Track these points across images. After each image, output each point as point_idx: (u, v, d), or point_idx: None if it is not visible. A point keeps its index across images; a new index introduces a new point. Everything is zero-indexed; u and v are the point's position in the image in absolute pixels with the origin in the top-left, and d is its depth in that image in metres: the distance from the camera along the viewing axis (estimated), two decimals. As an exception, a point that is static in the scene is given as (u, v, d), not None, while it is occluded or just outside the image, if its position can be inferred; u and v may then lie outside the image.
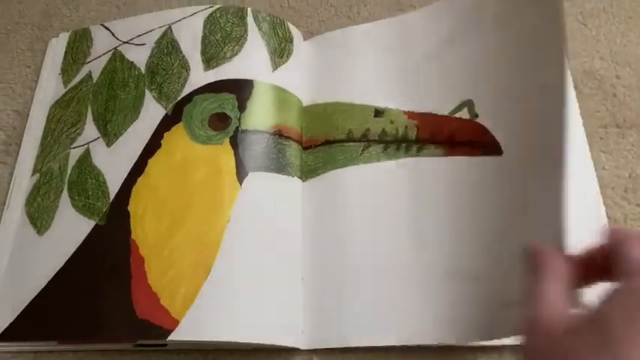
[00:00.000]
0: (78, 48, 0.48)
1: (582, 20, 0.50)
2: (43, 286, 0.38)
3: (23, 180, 0.43)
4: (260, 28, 0.45)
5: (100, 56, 0.47)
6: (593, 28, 0.50)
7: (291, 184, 0.42)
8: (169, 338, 0.35)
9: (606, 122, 0.45)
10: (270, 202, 0.40)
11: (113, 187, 0.41)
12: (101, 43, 0.47)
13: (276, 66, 0.44)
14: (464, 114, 0.42)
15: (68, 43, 0.49)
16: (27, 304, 0.38)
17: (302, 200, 0.42)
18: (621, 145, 0.44)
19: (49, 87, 0.47)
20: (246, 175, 0.40)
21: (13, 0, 0.52)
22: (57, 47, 0.49)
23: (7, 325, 0.37)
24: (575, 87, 0.47)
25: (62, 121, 0.45)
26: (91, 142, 0.43)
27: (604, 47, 0.49)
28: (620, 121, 0.45)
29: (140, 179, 0.41)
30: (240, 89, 0.43)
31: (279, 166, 0.41)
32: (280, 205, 0.41)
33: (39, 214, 0.41)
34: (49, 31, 0.50)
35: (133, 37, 0.47)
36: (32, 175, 0.43)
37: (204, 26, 0.46)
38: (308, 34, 0.48)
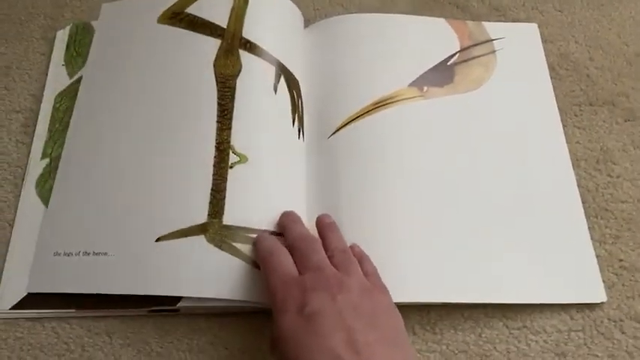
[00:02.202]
0: (81, 41, 0.51)
1: (559, 8, 0.54)
2: None
3: (35, 162, 0.46)
4: None
5: None
6: (569, 15, 0.54)
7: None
8: None
9: (580, 100, 0.49)
10: None
11: None
12: None
13: None
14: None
15: (70, 35, 0.52)
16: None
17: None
18: (594, 121, 0.48)
19: (55, 77, 0.50)
20: None
21: (25, -9, 0.55)
22: (61, 39, 0.52)
23: (26, 292, 0.40)
24: (553, 69, 0.50)
25: (70, 111, 0.47)
26: None
27: (578, 32, 0.53)
28: (593, 99, 0.49)
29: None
30: None
31: None
32: None
33: (50, 195, 0.44)
34: (60, 21, 0.53)
35: None
36: (42, 159, 0.46)
37: None
38: (305, 22, 0.52)
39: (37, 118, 0.48)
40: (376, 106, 0.46)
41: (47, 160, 0.46)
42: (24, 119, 0.48)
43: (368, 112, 0.46)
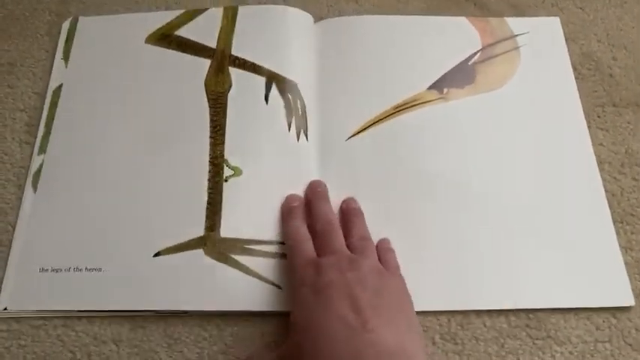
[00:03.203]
0: None
1: (580, 5, 0.53)
2: None
3: (34, 158, 0.45)
4: None
5: None
6: (591, 13, 0.52)
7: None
8: None
9: (603, 101, 0.48)
10: None
11: None
12: None
13: None
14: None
15: (69, 29, 0.51)
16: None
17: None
18: (617, 122, 0.47)
19: (54, 71, 0.49)
20: None
21: (30, -14, 0.53)
22: (66, 31, 0.51)
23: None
24: (574, 68, 0.49)
25: None
26: None
27: (601, 31, 0.51)
28: (617, 100, 0.48)
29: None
30: None
31: None
32: None
33: None
34: (65, 17, 0.52)
35: None
36: (39, 154, 0.45)
37: None
38: (317, 18, 0.50)
39: (41, 116, 0.47)
40: (395, 110, 0.46)
41: (43, 155, 0.45)
42: (28, 118, 0.47)
43: (387, 116, 0.46)
